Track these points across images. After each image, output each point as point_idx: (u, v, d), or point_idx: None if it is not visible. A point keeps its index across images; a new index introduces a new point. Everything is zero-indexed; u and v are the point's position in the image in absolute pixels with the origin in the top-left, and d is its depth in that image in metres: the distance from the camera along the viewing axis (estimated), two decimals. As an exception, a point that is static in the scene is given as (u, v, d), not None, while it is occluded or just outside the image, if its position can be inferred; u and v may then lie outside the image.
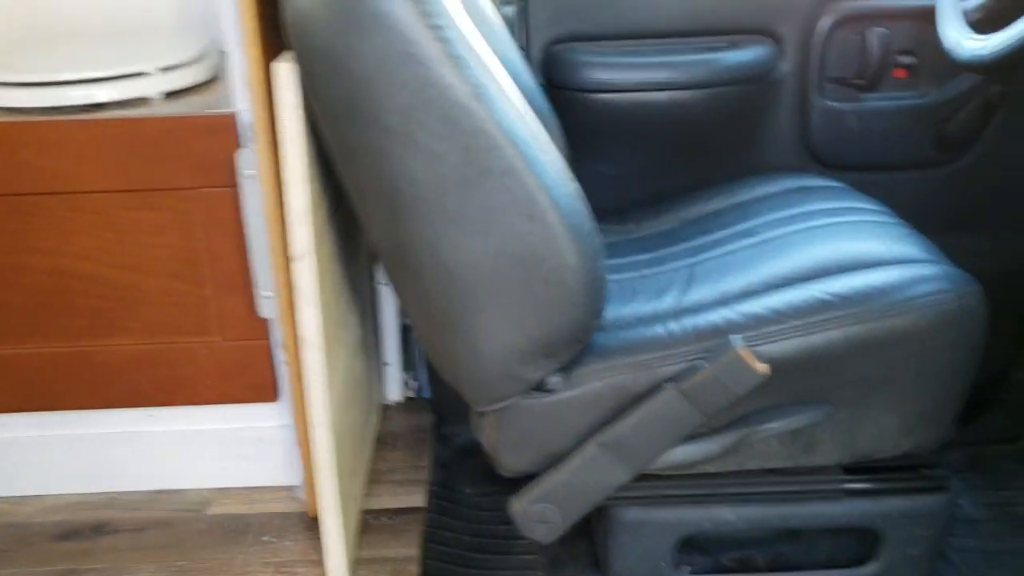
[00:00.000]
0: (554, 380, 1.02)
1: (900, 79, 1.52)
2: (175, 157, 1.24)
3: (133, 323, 1.32)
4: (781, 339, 0.99)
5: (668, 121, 1.50)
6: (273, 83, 0.99)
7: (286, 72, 0.98)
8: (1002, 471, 1.48)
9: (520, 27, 1.49)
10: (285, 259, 1.17)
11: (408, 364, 1.66)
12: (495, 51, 1.30)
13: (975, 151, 1.55)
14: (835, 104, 1.52)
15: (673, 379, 0.99)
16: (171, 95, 1.33)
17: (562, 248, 0.95)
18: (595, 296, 0.99)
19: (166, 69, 1.33)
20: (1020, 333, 1.57)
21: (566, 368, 1.03)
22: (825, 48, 1.49)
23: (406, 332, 1.64)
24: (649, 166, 1.54)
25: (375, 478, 1.44)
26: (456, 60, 0.90)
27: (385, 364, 1.63)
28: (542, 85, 1.49)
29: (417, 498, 1.39)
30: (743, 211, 1.33)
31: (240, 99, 1.21)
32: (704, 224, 1.34)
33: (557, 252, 0.94)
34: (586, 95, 1.48)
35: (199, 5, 1.61)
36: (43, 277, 1.30)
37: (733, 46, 1.49)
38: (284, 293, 1.20)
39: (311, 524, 1.34)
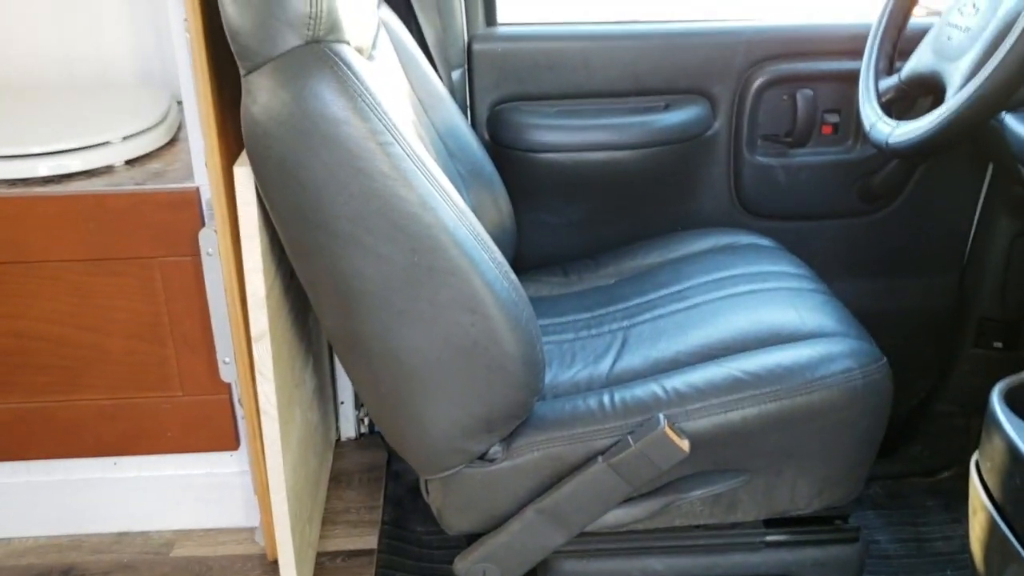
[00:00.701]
0: (495, 451, 1.11)
1: (827, 135, 1.62)
2: (138, 228, 1.30)
3: (97, 380, 1.39)
4: (702, 416, 1.09)
5: (607, 177, 1.59)
6: (235, 184, 1.06)
7: (245, 175, 1.04)
8: (919, 506, 1.60)
9: (465, 89, 1.57)
10: (244, 328, 1.24)
11: (359, 402, 1.74)
12: (441, 116, 1.38)
13: (898, 201, 1.66)
14: (765, 159, 1.62)
15: (604, 453, 1.09)
16: (132, 161, 1.39)
17: (503, 338, 1.03)
18: (533, 379, 1.07)
19: (128, 137, 1.38)
20: (939, 367, 1.69)
21: (507, 439, 1.12)
22: (756, 107, 1.59)
23: (361, 370, 1.72)
24: (589, 218, 1.63)
25: (330, 518, 1.52)
26: (403, 173, 0.97)
27: (340, 402, 1.71)
28: (486, 143, 1.57)
29: (370, 539, 1.48)
30: (675, 270, 1.43)
31: (199, 175, 1.27)
32: (639, 283, 1.43)
33: (498, 342, 1.03)
34: (528, 154, 1.56)
35: (155, 59, 1.66)
36: (7, 339, 1.35)
37: (669, 106, 1.58)
38: (242, 358, 1.27)
39: (270, 567, 1.42)
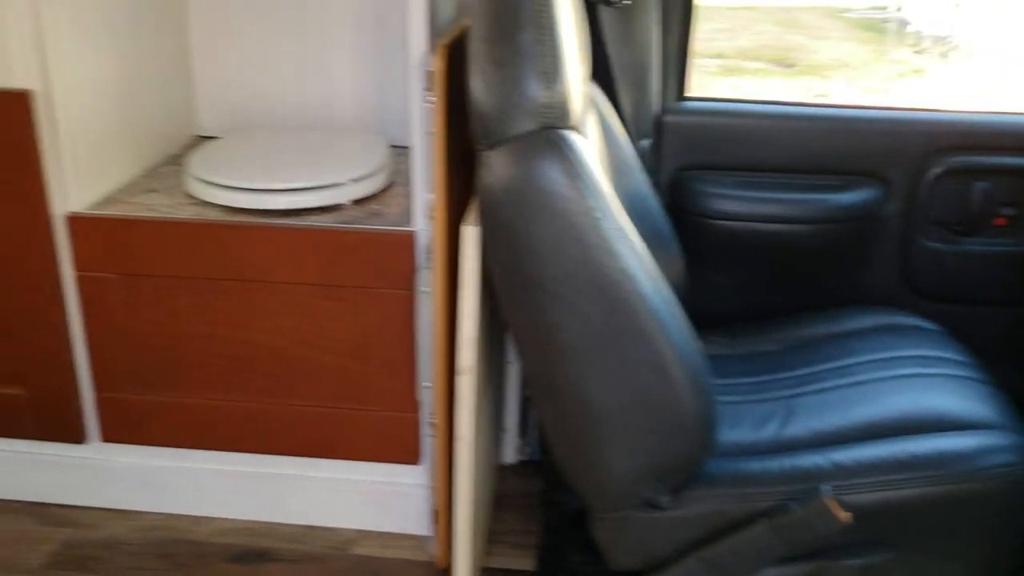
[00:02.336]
0: (665, 499, 1.23)
1: (1000, 227, 1.66)
2: (360, 262, 1.48)
3: (307, 389, 1.58)
4: (864, 492, 1.17)
5: (778, 248, 1.68)
6: (461, 243, 1.22)
7: (472, 234, 1.20)
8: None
9: (653, 156, 1.69)
10: (443, 359, 1.40)
11: (523, 430, 1.89)
12: (630, 181, 1.51)
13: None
14: (935, 244, 1.67)
15: (767, 514, 1.18)
16: (358, 200, 1.58)
17: (683, 398, 1.14)
18: (707, 438, 1.18)
19: (357, 180, 1.57)
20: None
21: (676, 490, 1.23)
22: (930, 194, 1.65)
23: (525, 402, 1.86)
24: (757, 284, 1.73)
25: (492, 538, 1.66)
26: (610, 244, 1.10)
27: (504, 430, 1.86)
28: (666, 206, 1.69)
29: (528, 562, 1.61)
30: (841, 345, 1.51)
31: (418, 221, 1.45)
32: (805, 354, 1.51)
33: (678, 401, 1.14)
34: (705, 219, 1.68)
35: (373, 107, 1.86)
36: (239, 345, 1.56)
37: (844, 186, 1.66)
38: (439, 385, 1.43)
39: (437, 575, 1.58)
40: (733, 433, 1.33)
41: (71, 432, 1.64)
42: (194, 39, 1.87)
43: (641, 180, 1.55)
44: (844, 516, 1.15)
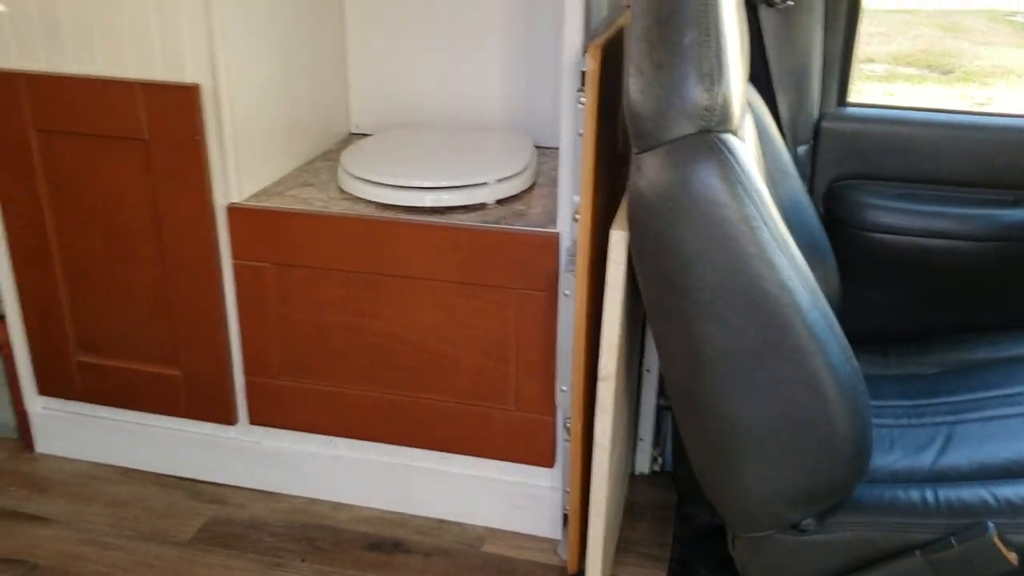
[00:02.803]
0: (808, 522, 1.17)
1: None
2: (503, 261, 1.48)
3: (445, 384, 1.59)
4: (1033, 532, 1.09)
5: (942, 266, 1.58)
6: (609, 244, 1.20)
7: (619, 238, 1.18)
8: None
9: (809, 163, 1.63)
10: (584, 364, 1.39)
11: (657, 440, 1.85)
12: (786, 189, 1.46)
13: None
14: (1120, 267, 1.54)
15: (922, 548, 1.11)
16: (502, 200, 1.59)
17: (836, 420, 1.09)
18: (860, 462, 1.12)
19: (501, 180, 1.58)
20: None
21: (823, 513, 1.17)
22: (1116, 213, 1.52)
23: (660, 412, 1.83)
24: (915, 302, 1.63)
25: (623, 546, 1.64)
26: (768, 255, 1.06)
27: (639, 439, 1.83)
28: (822, 216, 1.62)
29: (658, 573, 1.58)
30: (1007, 372, 1.41)
31: (562, 223, 1.44)
32: (966, 378, 1.42)
33: (831, 423, 1.09)
34: (863, 232, 1.60)
35: (521, 109, 1.86)
36: (382, 337, 1.59)
37: (1017, 202, 1.55)
38: (577, 390, 1.42)
39: (567, 579, 1.57)
40: (886, 458, 1.26)
41: (222, 413, 1.72)
42: (350, 39, 1.92)
43: (797, 188, 1.49)
44: (1011, 557, 1.06)
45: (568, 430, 1.49)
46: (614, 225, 1.21)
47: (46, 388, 1.81)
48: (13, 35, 1.55)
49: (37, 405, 1.85)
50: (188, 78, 1.50)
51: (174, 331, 1.68)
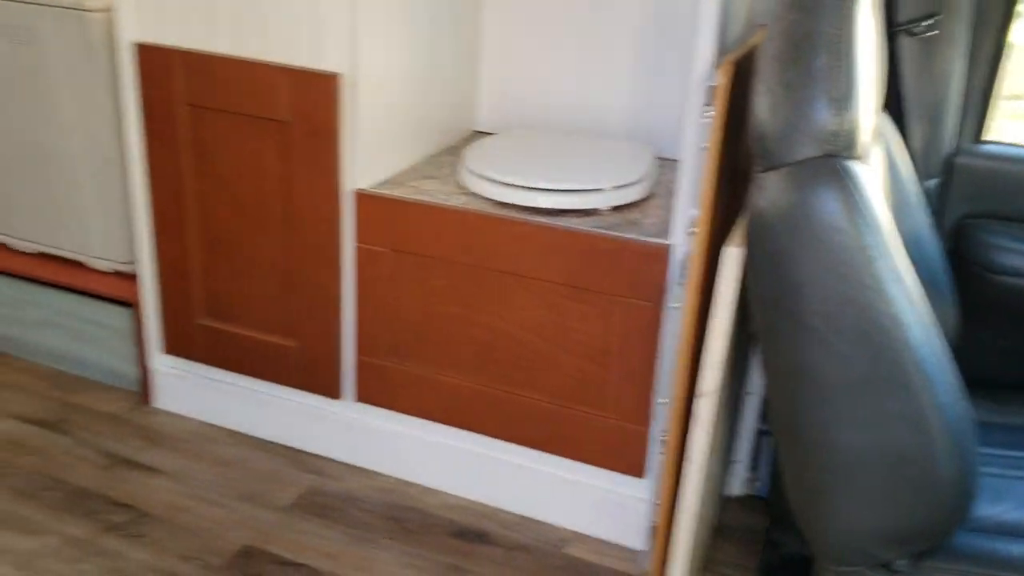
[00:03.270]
0: (901, 563, 1.14)
1: None
2: (612, 268, 1.50)
3: (546, 384, 1.62)
4: None
5: (1073, 315, 1.52)
6: (720, 263, 1.20)
7: (734, 255, 1.18)
8: None
9: (938, 198, 1.58)
10: (685, 378, 1.39)
11: (754, 464, 1.83)
12: (910, 222, 1.42)
13: None
14: None
15: (1020, 604, 1.07)
16: (616, 207, 1.60)
17: (939, 462, 1.06)
18: (961, 508, 1.09)
19: (618, 187, 1.59)
20: None
21: (918, 556, 1.14)
22: None
23: (759, 436, 1.80)
24: (1042, 351, 1.57)
25: (708, 566, 1.63)
26: (884, 288, 1.04)
27: (734, 461, 1.81)
28: (947, 253, 1.57)
29: (741, 597, 1.56)
30: None
31: (675, 235, 1.44)
32: (1088, 436, 1.36)
33: (933, 463, 1.06)
34: (989, 273, 1.54)
35: (644, 119, 1.87)
36: (487, 332, 1.63)
37: None
38: (676, 403, 1.42)
39: (647, 591, 1.57)
40: (993, 508, 1.22)
41: (329, 387, 1.79)
42: (485, 39, 1.97)
43: (923, 222, 1.45)
44: (1116, 625, 1.02)
45: (663, 443, 1.50)
46: (729, 242, 1.21)
47: (170, 347, 1.92)
48: (174, 15, 1.66)
49: (159, 363, 1.97)
50: (330, 66, 1.58)
51: (293, 304, 1.76)
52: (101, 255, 1.99)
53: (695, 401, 1.30)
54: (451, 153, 1.89)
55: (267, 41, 1.61)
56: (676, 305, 1.42)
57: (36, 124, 1.92)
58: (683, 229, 1.44)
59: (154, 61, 1.68)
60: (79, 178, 1.93)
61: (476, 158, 1.68)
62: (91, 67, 1.81)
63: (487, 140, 1.80)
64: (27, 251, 2.08)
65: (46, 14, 1.80)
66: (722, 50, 1.40)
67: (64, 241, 2.02)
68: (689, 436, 1.31)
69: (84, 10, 1.76)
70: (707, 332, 1.24)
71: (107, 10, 1.77)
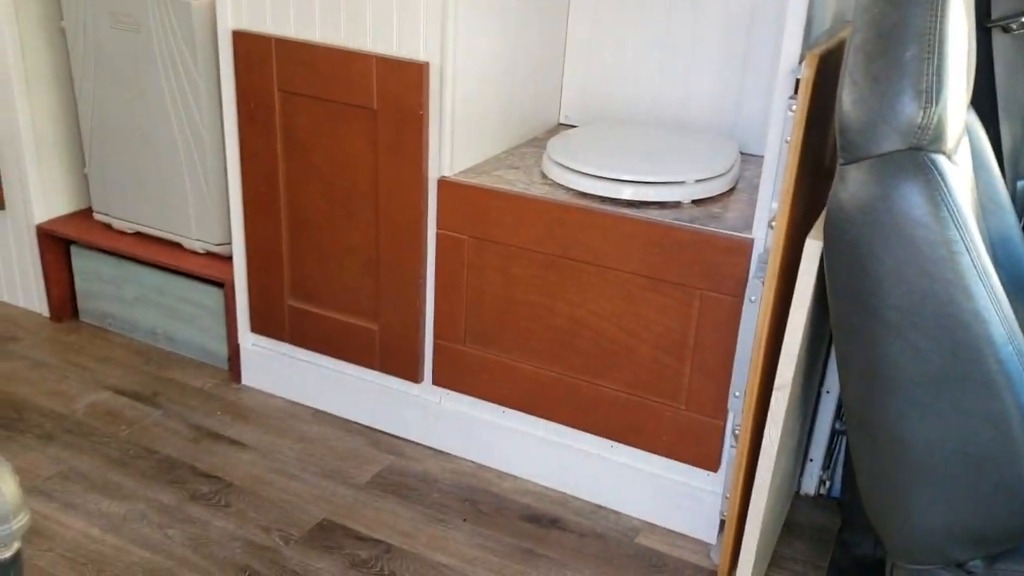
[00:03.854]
0: (976, 564, 1.13)
1: None
2: (692, 260, 1.50)
3: (621, 374, 1.64)
4: None
5: None
6: (803, 253, 1.20)
7: (814, 248, 1.18)
8: None
9: (1031, 199, 1.55)
10: (760, 371, 1.39)
11: (827, 463, 1.81)
12: (997, 223, 1.39)
13: None
14: None
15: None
16: (698, 200, 1.61)
17: (1020, 461, 1.04)
18: (1042, 510, 1.07)
19: (700, 180, 1.60)
20: None
21: (993, 557, 1.13)
22: None
23: (834, 435, 1.78)
24: None
25: (777, 562, 1.62)
26: (966, 283, 1.03)
27: (809, 459, 1.80)
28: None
29: (812, 595, 1.55)
30: None
31: (757, 229, 1.44)
32: None
33: (1013, 464, 1.05)
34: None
35: (729, 113, 1.87)
36: (566, 320, 1.65)
37: None
38: (750, 397, 1.42)
39: (716, 583, 1.57)
40: (1075, 514, 1.19)
41: (409, 370, 1.84)
42: (571, 31, 1.99)
43: (1010, 222, 1.42)
44: None
45: (736, 436, 1.50)
46: (811, 235, 1.21)
47: (258, 326, 2.00)
48: (271, 3, 1.73)
49: (248, 341, 2.05)
50: (420, 56, 1.62)
51: (377, 288, 1.81)
52: (197, 236, 2.08)
53: (770, 395, 1.30)
54: (535, 144, 1.92)
55: (358, 30, 1.66)
56: (754, 299, 1.42)
57: (139, 109, 2.02)
58: (764, 223, 1.44)
59: (251, 48, 1.76)
60: (178, 161, 2.02)
61: (560, 149, 1.71)
62: (192, 54, 1.90)
63: (571, 131, 1.82)
64: (127, 231, 2.19)
65: (153, 3, 1.90)
66: (809, 43, 1.39)
67: (162, 222, 2.12)
68: (763, 430, 1.31)
69: None
70: (784, 327, 1.25)
71: None
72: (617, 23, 1.94)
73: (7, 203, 2.24)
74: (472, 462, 1.86)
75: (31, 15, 2.10)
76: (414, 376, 1.84)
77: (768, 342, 1.38)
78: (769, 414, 1.29)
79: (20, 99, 2.12)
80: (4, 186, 2.22)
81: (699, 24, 1.86)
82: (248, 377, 2.08)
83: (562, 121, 2.07)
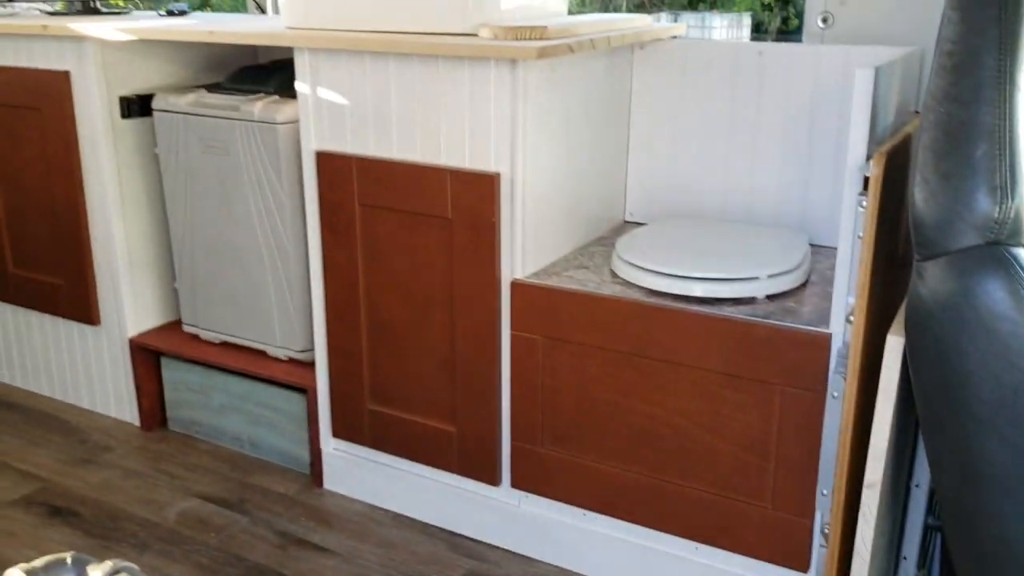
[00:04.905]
0: (1093, 671, 1.07)
1: None
2: (770, 357, 1.50)
3: (702, 473, 1.62)
4: None
5: None
6: (885, 349, 1.19)
7: (895, 344, 1.17)
8: None
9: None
10: (846, 468, 1.37)
11: (922, 561, 1.74)
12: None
13: None
14: None
15: None
16: (772, 296, 1.61)
17: None
18: None
19: (773, 276, 1.60)
20: None
21: (1110, 664, 1.07)
22: None
23: (928, 531, 1.72)
24: None
25: (878, 667, 1.56)
26: (1058, 377, 1.01)
27: (904, 558, 1.73)
28: None
29: None
30: None
31: (835, 324, 1.43)
32: None
33: None
34: None
35: (797, 204, 1.88)
36: (643, 419, 1.65)
37: None
38: (838, 494, 1.39)
39: None
40: None
41: (488, 473, 1.84)
42: (633, 130, 2.04)
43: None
44: None
45: (825, 536, 1.46)
46: (891, 331, 1.20)
47: (339, 431, 2.04)
48: (350, 125, 1.82)
49: (330, 445, 2.09)
50: (491, 167, 1.68)
51: (455, 391, 1.84)
52: (280, 344, 2.15)
53: (859, 492, 1.28)
54: (602, 243, 1.96)
55: (433, 147, 1.73)
56: (836, 395, 1.40)
57: (226, 225, 2.12)
58: (841, 317, 1.43)
59: (333, 167, 1.84)
60: (263, 274, 2.11)
61: (629, 247, 1.73)
62: (277, 173, 2.00)
63: (639, 230, 1.85)
64: (214, 341, 2.27)
65: (241, 127, 2.01)
66: (876, 139, 1.41)
67: (247, 331, 2.19)
68: (853, 529, 1.28)
69: (274, 123, 1.96)
70: (869, 421, 1.23)
71: (293, 122, 1.96)
72: (677, 120, 1.98)
73: (102, 318, 2.35)
74: (554, 566, 1.84)
75: (128, 144, 2.24)
76: (492, 479, 1.84)
77: (854, 438, 1.36)
78: (860, 514, 1.26)
79: (116, 222, 2.25)
80: (100, 303, 2.34)
81: (761, 116, 1.89)
82: (330, 481, 2.11)
83: (627, 219, 2.11)
